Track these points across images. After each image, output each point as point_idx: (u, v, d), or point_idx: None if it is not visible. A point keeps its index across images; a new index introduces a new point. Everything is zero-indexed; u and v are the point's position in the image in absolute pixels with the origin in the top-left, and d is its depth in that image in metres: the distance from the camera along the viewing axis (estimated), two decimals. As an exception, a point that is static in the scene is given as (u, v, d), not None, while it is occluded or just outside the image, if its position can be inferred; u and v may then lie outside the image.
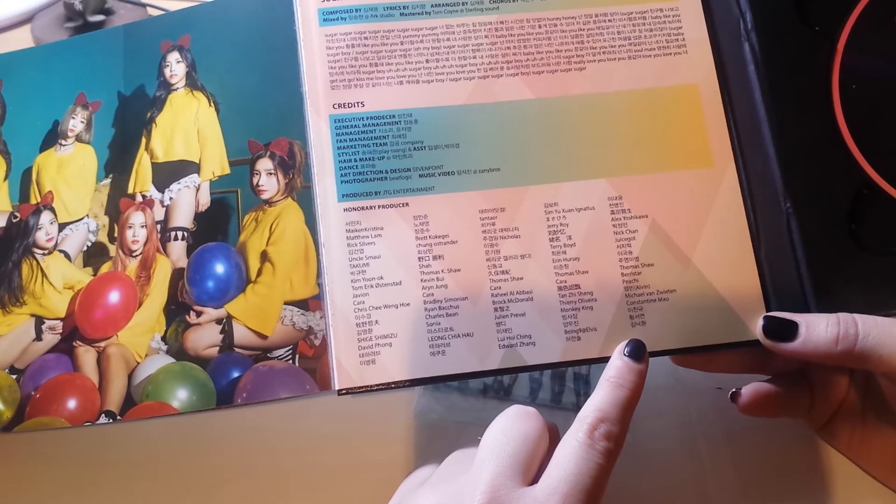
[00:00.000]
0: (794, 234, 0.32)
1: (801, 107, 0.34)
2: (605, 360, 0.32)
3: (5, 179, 0.39)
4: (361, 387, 0.31)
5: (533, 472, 0.27)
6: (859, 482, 0.36)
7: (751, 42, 0.34)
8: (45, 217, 0.38)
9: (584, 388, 0.41)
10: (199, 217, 0.36)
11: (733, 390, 0.35)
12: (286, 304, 0.34)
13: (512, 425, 0.28)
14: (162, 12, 0.61)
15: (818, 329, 0.30)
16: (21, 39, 0.62)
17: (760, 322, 0.31)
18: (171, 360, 0.35)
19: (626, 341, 0.31)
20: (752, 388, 0.35)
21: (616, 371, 0.30)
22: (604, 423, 0.27)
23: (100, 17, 0.60)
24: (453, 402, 0.41)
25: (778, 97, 0.33)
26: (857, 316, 0.30)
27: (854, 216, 0.33)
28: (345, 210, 0.33)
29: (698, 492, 0.38)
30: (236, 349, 0.34)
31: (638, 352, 0.30)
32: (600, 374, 0.41)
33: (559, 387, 0.41)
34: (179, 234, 0.36)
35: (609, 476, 0.27)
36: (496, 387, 0.41)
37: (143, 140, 0.38)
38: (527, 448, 0.27)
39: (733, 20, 0.35)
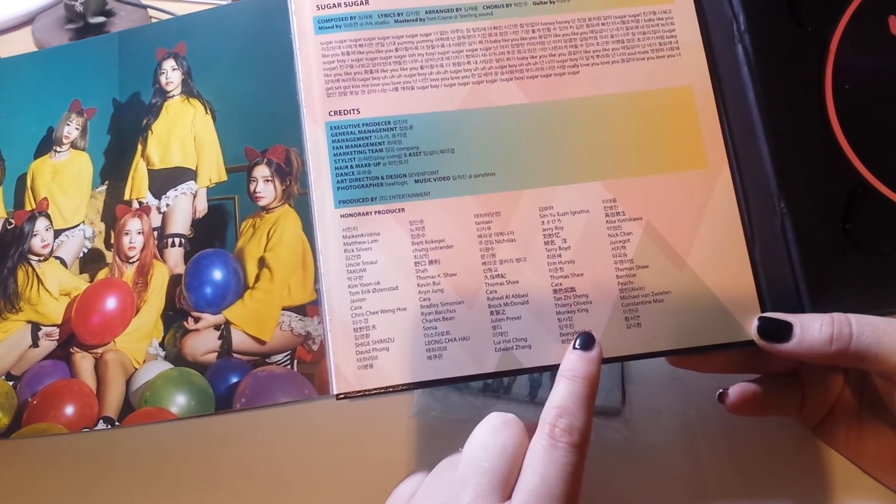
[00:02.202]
0: (788, 235, 0.33)
1: (794, 107, 0.34)
2: (602, 361, 0.32)
3: None
4: (359, 391, 0.31)
5: (513, 482, 0.27)
6: (856, 480, 0.36)
7: (744, 44, 0.34)
8: (41, 223, 0.38)
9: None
10: (196, 223, 0.36)
11: (720, 390, 0.36)
12: (284, 309, 0.34)
13: (489, 438, 0.28)
14: (161, 14, 0.61)
15: (812, 329, 0.30)
16: (22, 41, 0.62)
17: (755, 323, 0.32)
18: (169, 365, 0.35)
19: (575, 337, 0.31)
20: (739, 387, 0.35)
21: (569, 364, 0.30)
22: (563, 418, 0.27)
23: (100, 19, 0.60)
24: (452, 401, 0.41)
25: (771, 98, 0.33)
26: (851, 316, 0.30)
27: (848, 216, 0.33)
28: (341, 216, 0.33)
29: (697, 490, 0.38)
30: (235, 355, 0.34)
31: (586, 342, 0.30)
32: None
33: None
34: (176, 240, 0.36)
35: (582, 469, 0.27)
36: (496, 386, 0.41)
37: (139, 147, 0.38)
38: (504, 461, 0.27)
39: (726, 22, 0.35)
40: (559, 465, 0.26)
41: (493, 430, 0.28)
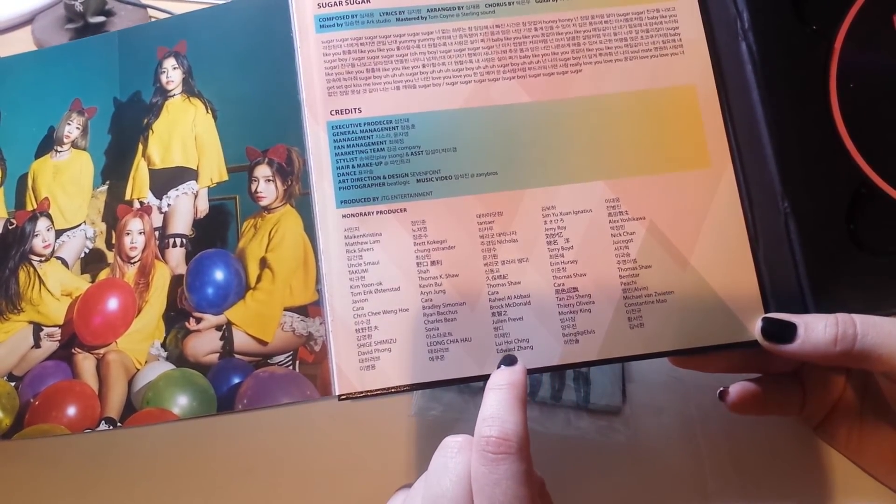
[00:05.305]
0: (792, 235, 0.32)
1: (798, 106, 0.33)
2: (604, 362, 0.32)
3: (0, 186, 0.39)
4: (362, 392, 0.31)
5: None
6: (857, 479, 0.36)
7: (748, 41, 0.34)
8: (42, 224, 0.38)
9: (585, 386, 0.41)
10: (197, 224, 0.36)
11: (721, 389, 0.36)
12: (286, 310, 0.34)
13: (444, 470, 0.27)
14: (162, 13, 0.61)
15: (817, 330, 0.30)
16: (22, 41, 0.62)
17: (759, 324, 0.31)
18: (171, 366, 0.35)
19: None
20: (740, 386, 0.35)
21: (494, 378, 0.29)
22: (494, 426, 0.26)
23: (100, 19, 0.60)
24: (451, 400, 0.41)
25: (775, 96, 0.33)
26: (855, 316, 0.30)
27: (852, 216, 0.33)
28: (343, 216, 0.33)
29: (698, 489, 0.38)
30: (236, 355, 0.34)
31: (510, 360, 0.30)
32: (600, 372, 0.41)
33: (559, 384, 0.42)
34: (178, 240, 0.36)
35: (530, 474, 0.26)
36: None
37: (140, 146, 0.38)
38: (461, 490, 0.26)
39: (730, 19, 0.35)
40: (505, 483, 0.25)
41: (447, 458, 0.27)
